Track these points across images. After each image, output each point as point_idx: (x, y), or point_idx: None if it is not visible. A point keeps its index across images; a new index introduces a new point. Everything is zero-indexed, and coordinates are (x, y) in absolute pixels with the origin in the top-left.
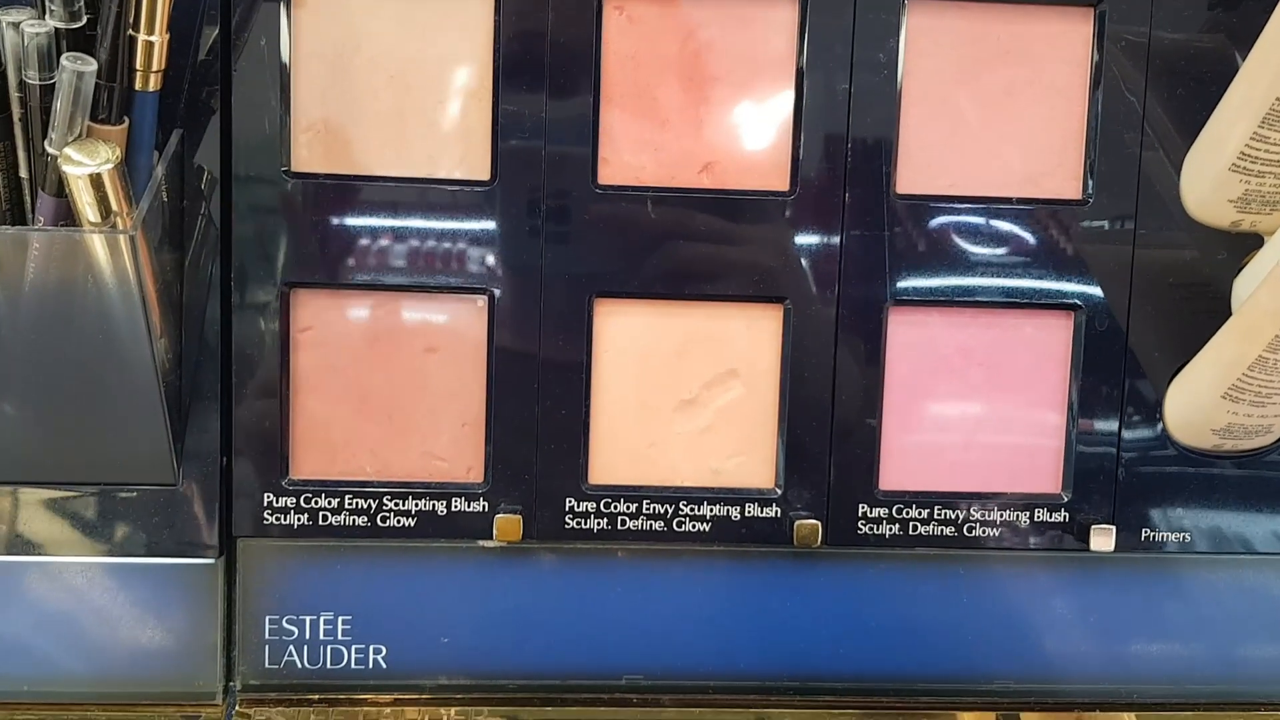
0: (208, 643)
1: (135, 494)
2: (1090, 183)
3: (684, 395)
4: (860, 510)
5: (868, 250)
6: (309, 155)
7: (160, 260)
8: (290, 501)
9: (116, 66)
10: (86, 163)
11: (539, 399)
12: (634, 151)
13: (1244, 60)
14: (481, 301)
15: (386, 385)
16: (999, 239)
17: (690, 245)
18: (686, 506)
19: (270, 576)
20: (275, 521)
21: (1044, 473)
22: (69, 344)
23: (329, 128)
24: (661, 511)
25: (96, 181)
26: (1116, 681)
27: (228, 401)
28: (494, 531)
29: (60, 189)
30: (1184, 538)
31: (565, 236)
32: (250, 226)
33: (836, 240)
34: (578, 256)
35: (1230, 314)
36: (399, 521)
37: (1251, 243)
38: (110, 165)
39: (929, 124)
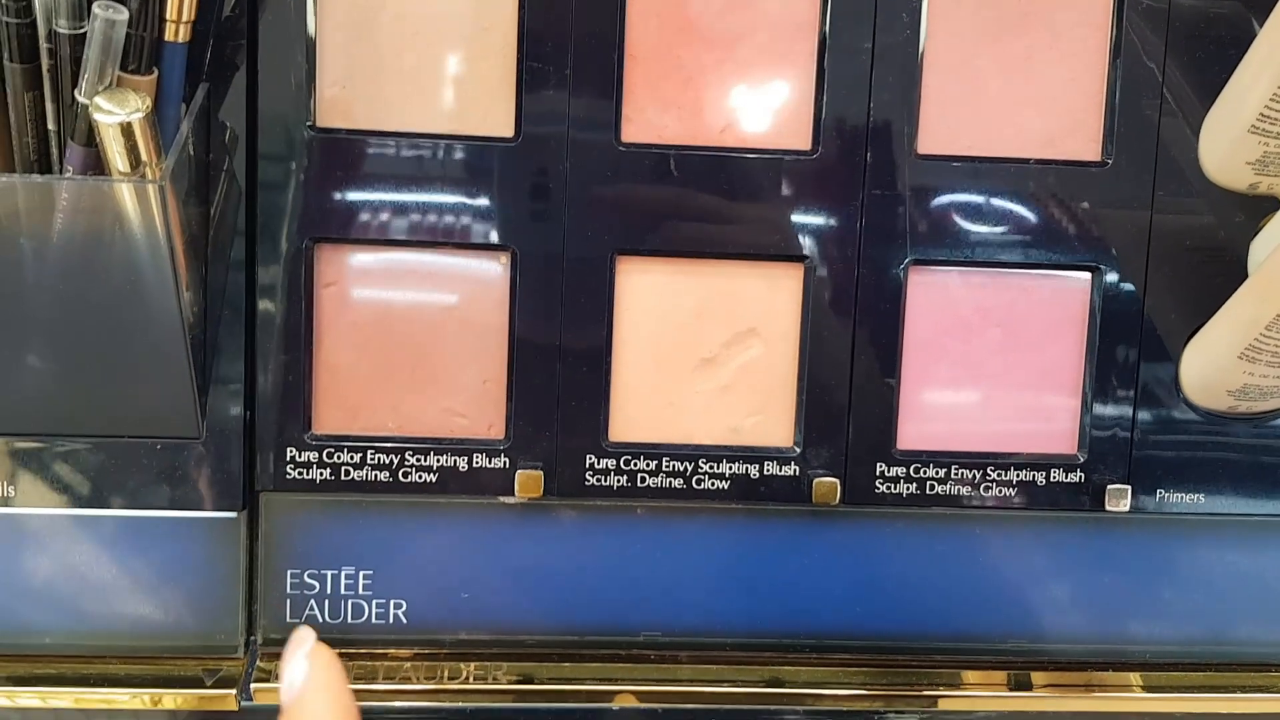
0: (229, 597)
1: (158, 447)
2: (1109, 145)
3: (704, 354)
4: (878, 469)
5: (888, 210)
6: (333, 110)
7: (187, 213)
8: (312, 456)
9: (147, 16)
10: (117, 111)
11: (560, 356)
12: (657, 110)
13: (1263, 24)
14: (504, 258)
15: (409, 341)
16: (1018, 200)
17: (711, 204)
18: (706, 464)
19: (292, 531)
20: (297, 476)
21: (1060, 433)
22: (95, 295)
23: (354, 83)
24: (681, 469)
25: (127, 130)
26: (1129, 643)
27: (251, 356)
28: (515, 488)
29: (90, 138)
30: (1198, 499)
31: (587, 195)
32: (275, 181)
33: (857, 200)
34: (599, 215)
35: (1247, 276)
36: (420, 477)
37: (1269, 205)
38: (140, 115)
39: (950, 85)
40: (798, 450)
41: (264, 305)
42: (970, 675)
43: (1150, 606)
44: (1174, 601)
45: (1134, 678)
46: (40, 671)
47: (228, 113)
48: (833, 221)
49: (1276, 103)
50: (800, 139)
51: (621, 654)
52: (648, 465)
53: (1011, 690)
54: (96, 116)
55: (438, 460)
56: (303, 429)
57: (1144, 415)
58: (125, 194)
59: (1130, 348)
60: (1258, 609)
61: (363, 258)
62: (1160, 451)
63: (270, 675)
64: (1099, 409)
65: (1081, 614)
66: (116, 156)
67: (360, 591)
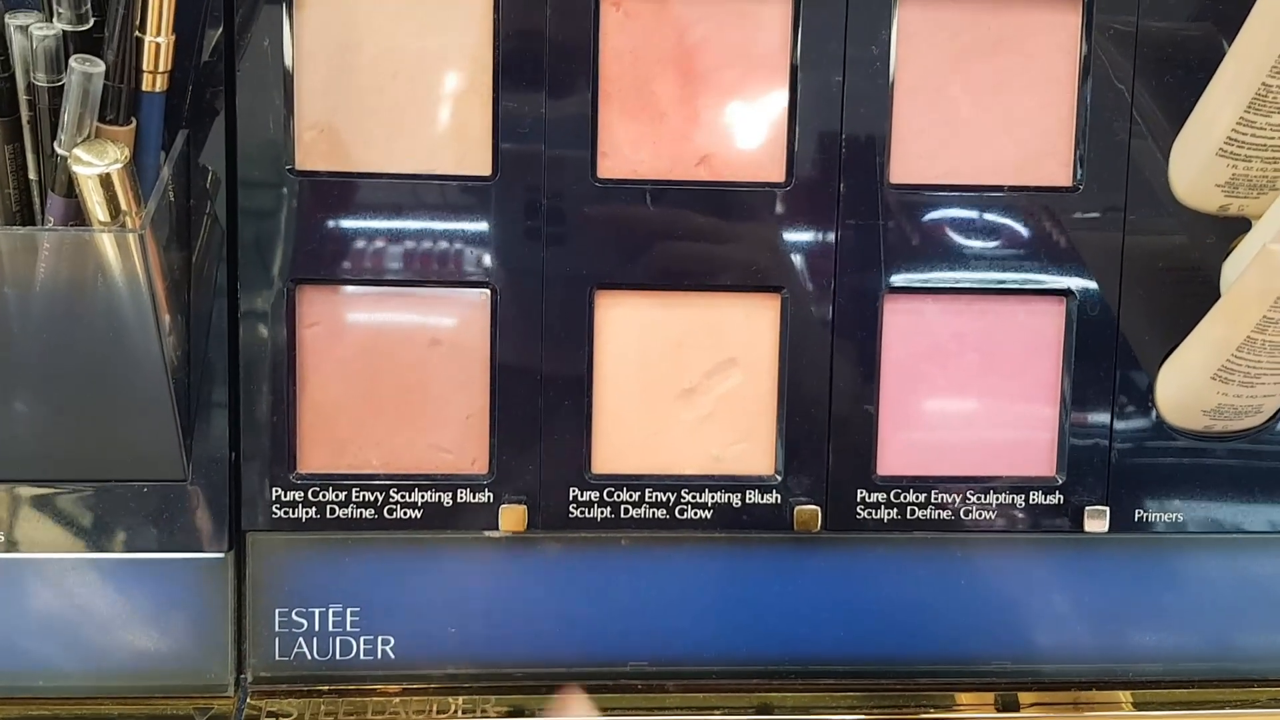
0: (219, 636)
1: (145, 490)
2: (1081, 170)
3: (685, 384)
4: (859, 495)
5: (863, 239)
6: (313, 153)
7: (168, 259)
8: (298, 495)
9: (123, 68)
10: (96, 163)
11: (542, 390)
12: (632, 146)
13: (1230, 46)
14: (484, 295)
15: (391, 379)
16: (992, 226)
17: (689, 237)
18: (688, 494)
19: (279, 570)
20: (284, 515)
21: (1038, 456)
22: (79, 342)
23: (332, 126)
24: (664, 499)
25: (106, 181)
26: (1112, 661)
27: (235, 397)
28: (499, 522)
29: (70, 189)
30: (1176, 518)
31: (566, 230)
32: (256, 225)
33: (832, 230)
34: (578, 250)
35: (1219, 297)
36: (405, 513)
37: (1239, 227)
38: (119, 165)
39: (921, 114)
40: (779, 478)
41: (247, 347)
42: (956, 697)
43: (1135, 624)
44: (1157, 620)
45: (1122, 695)
46: (34, 713)
47: (208, 158)
48: (809, 251)
49: (1244, 126)
50: (774, 170)
51: (609, 684)
52: (631, 496)
53: (999, 711)
54: (75, 168)
55: (422, 496)
56: (288, 469)
57: (1121, 436)
58: (106, 243)
59: (1106, 369)
60: (1241, 625)
61: (345, 298)
62: (1138, 471)
63: (260, 713)
64: (1076, 431)
65: (1067, 633)
66: (96, 207)
67: (348, 628)
